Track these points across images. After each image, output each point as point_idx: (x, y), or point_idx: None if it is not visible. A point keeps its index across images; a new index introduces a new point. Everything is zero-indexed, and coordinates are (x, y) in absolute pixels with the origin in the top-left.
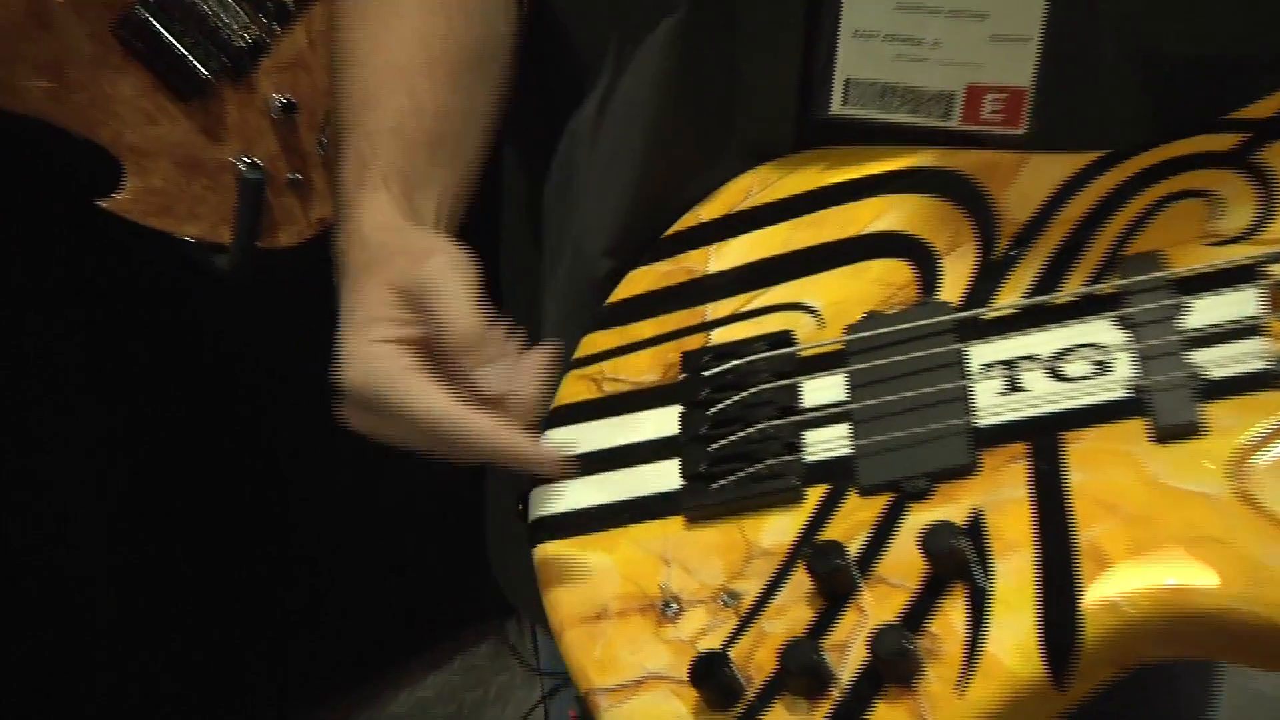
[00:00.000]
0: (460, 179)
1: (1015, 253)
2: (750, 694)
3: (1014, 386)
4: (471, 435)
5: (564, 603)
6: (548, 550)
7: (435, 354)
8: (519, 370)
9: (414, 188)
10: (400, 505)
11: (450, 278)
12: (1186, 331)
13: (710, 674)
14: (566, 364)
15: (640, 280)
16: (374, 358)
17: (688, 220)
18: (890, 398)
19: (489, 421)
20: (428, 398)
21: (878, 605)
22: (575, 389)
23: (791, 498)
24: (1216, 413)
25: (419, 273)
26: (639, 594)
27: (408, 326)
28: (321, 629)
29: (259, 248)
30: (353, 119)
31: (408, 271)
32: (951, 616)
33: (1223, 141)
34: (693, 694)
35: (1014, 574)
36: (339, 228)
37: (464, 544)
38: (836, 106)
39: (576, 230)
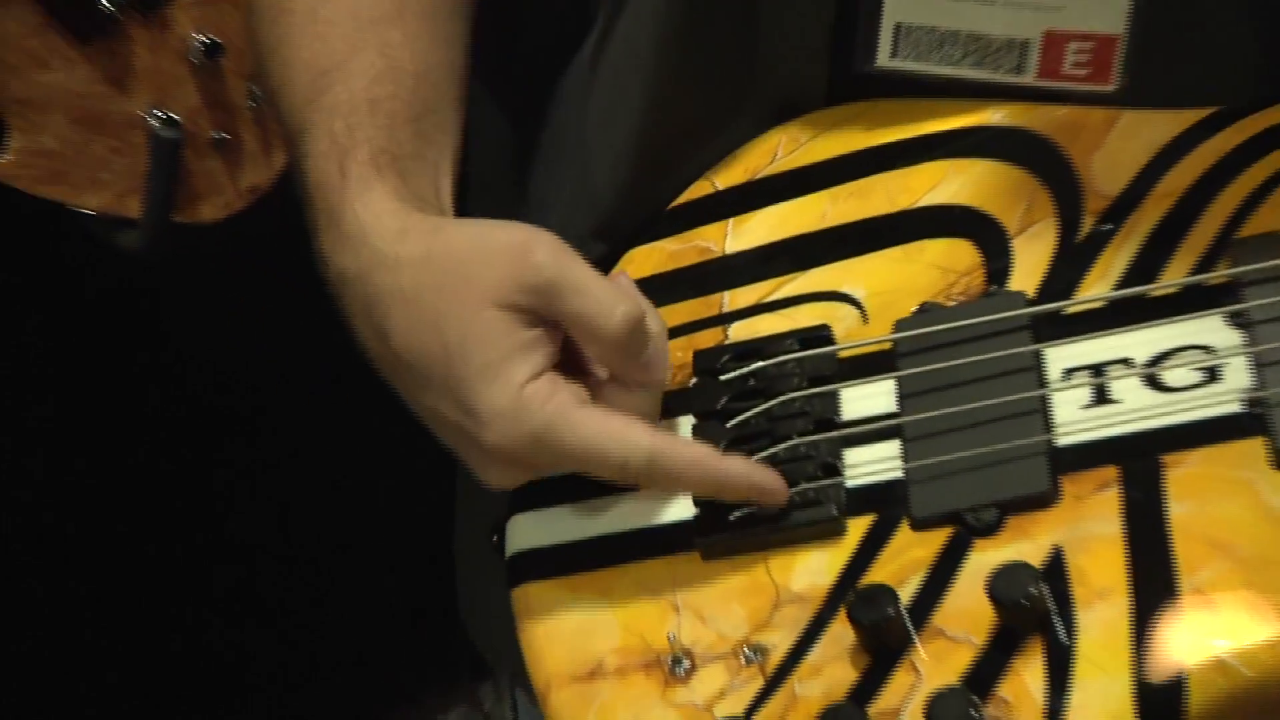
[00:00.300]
0: (452, 154)
1: (1104, 231)
2: None
3: (1102, 398)
4: (683, 471)
5: (550, 658)
6: (530, 593)
7: (567, 359)
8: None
9: (409, 174)
10: (346, 542)
11: (573, 267)
12: None
13: None
14: None
15: (642, 261)
16: (527, 406)
17: (701, 188)
18: (950, 410)
19: (699, 450)
20: (615, 436)
21: (936, 664)
22: None
23: (830, 530)
24: None
25: (535, 275)
26: (642, 647)
27: (543, 347)
28: (250, 693)
29: (176, 223)
30: (311, 90)
31: (514, 278)
32: (1026, 679)
33: None
34: None
35: (1103, 627)
36: (327, 242)
37: (426, 585)
38: (884, 59)
39: (562, 204)
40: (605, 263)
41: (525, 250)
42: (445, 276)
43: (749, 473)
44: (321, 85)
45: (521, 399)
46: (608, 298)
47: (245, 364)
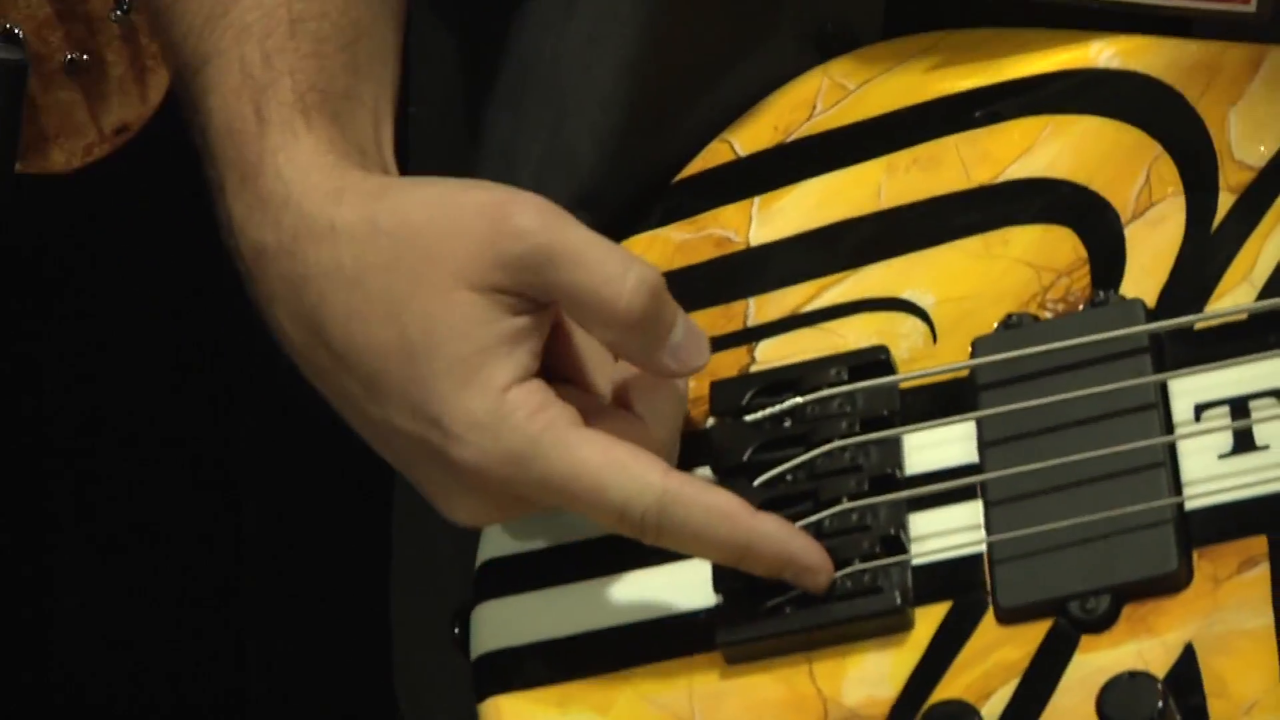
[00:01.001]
0: (392, 91)
1: (1246, 216)
2: None
3: (1247, 444)
4: (701, 524)
5: None
6: (503, 709)
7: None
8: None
9: (343, 118)
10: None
11: (565, 231)
12: None
13: None
14: None
15: (642, 255)
16: (510, 416)
17: (716, 153)
18: (1046, 463)
19: (724, 500)
20: (617, 467)
21: None
22: None
23: (892, 625)
24: None
25: (518, 244)
26: None
27: (531, 342)
28: None
29: (19, 174)
30: (213, 5)
31: (492, 251)
32: None
33: None
34: None
35: None
36: (238, 207)
37: (359, 683)
38: None
39: (532, 162)
40: None
41: (503, 213)
42: (400, 251)
43: (787, 537)
44: (222, 4)
45: (503, 407)
46: (615, 263)
47: (111, 361)
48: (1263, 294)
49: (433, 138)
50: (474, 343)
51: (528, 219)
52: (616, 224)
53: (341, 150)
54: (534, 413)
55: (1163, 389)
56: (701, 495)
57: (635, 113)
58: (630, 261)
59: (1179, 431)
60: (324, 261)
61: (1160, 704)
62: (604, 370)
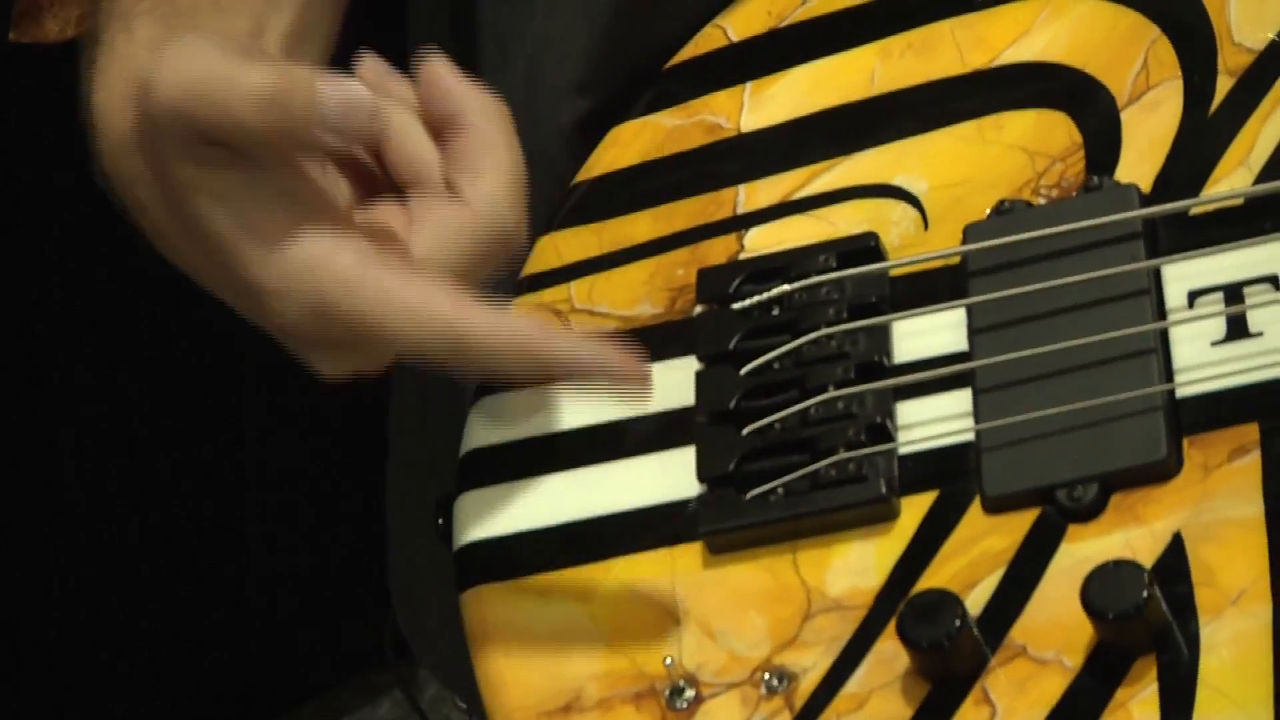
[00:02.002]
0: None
1: (1244, 100)
2: None
3: (1240, 331)
4: (501, 355)
5: (513, 686)
6: (485, 598)
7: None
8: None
9: (186, 10)
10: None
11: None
12: None
13: None
14: (514, 284)
15: (630, 141)
16: (295, 274)
17: (709, 39)
18: (1037, 350)
19: (521, 326)
20: (405, 310)
21: (1017, 694)
22: None
23: (877, 514)
24: None
25: (157, 112)
26: (633, 673)
27: (294, 186)
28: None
29: (12, 45)
30: None
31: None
32: (1134, 713)
33: None
34: None
35: (1235, 643)
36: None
37: (352, 583)
38: None
39: (528, 48)
40: (589, 128)
41: (144, 89)
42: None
43: (588, 352)
44: None
45: (287, 266)
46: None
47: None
48: (1260, 178)
49: (430, 24)
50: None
51: (163, 85)
52: (616, 109)
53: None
54: (317, 264)
55: (1155, 275)
56: (497, 325)
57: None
58: (246, 67)
59: (1171, 318)
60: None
61: (1144, 592)
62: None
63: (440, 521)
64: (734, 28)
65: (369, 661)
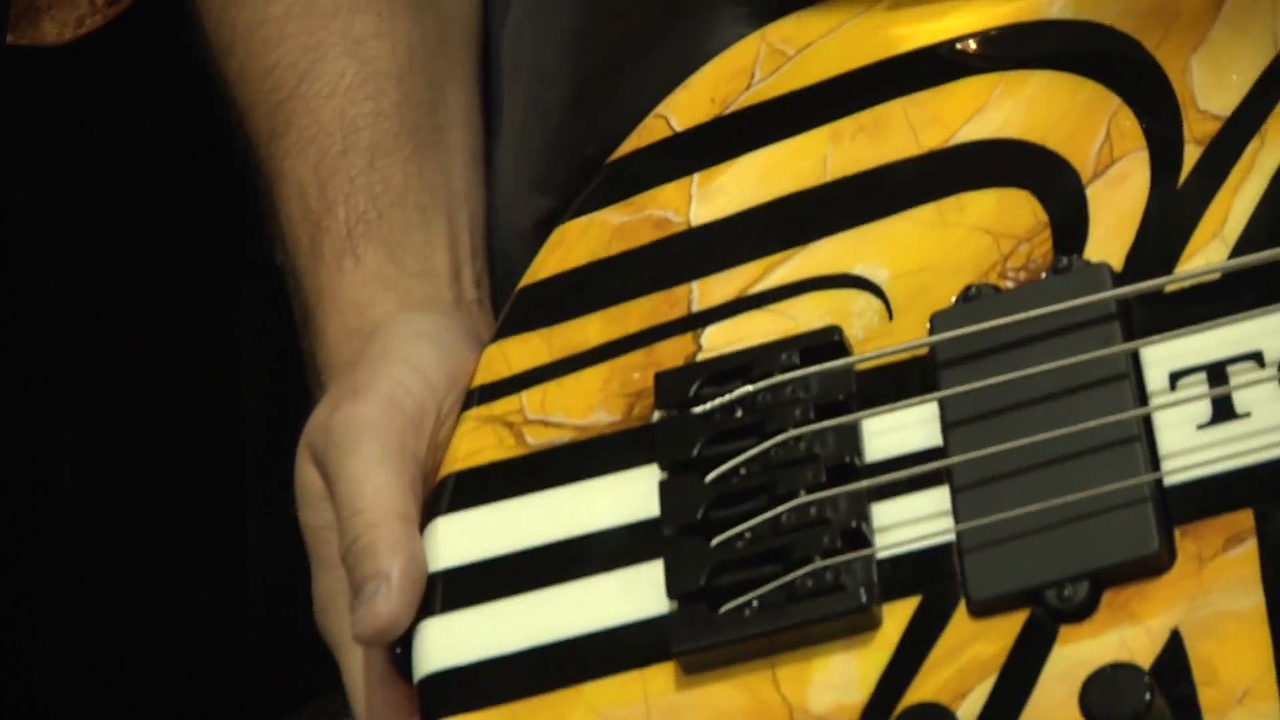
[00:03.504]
0: (464, 164)
1: (1214, 169)
2: None
3: (1226, 413)
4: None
5: None
6: None
7: None
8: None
9: (398, 231)
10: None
11: (354, 449)
12: None
13: None
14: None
15: (577, 241)
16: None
17: (651, 130)
18: (1014, 443)
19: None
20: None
21: None
22: (478, 442)
23: (858, 624)
24: None
25: (319, 435)
26: None
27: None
28: None
29: (9, 47)
30: (272, 121)
31: (312, 429)
32: None
33: None
34: None
35: None
36: (303, 319)
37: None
38: None
39: (506, 146)
40: (551, 222)
41: (349, 396)
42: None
43: None
44: (283, 116)
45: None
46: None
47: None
48: (1236, 251)
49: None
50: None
51: (346, 416)
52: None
53: (385, 282)
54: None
55: (1134, 358)
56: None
57: (579, 86)
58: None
59: (1154, 402)
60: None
61: (1147, 696)
62: None
63: (398, 651)
64: (677, 117)
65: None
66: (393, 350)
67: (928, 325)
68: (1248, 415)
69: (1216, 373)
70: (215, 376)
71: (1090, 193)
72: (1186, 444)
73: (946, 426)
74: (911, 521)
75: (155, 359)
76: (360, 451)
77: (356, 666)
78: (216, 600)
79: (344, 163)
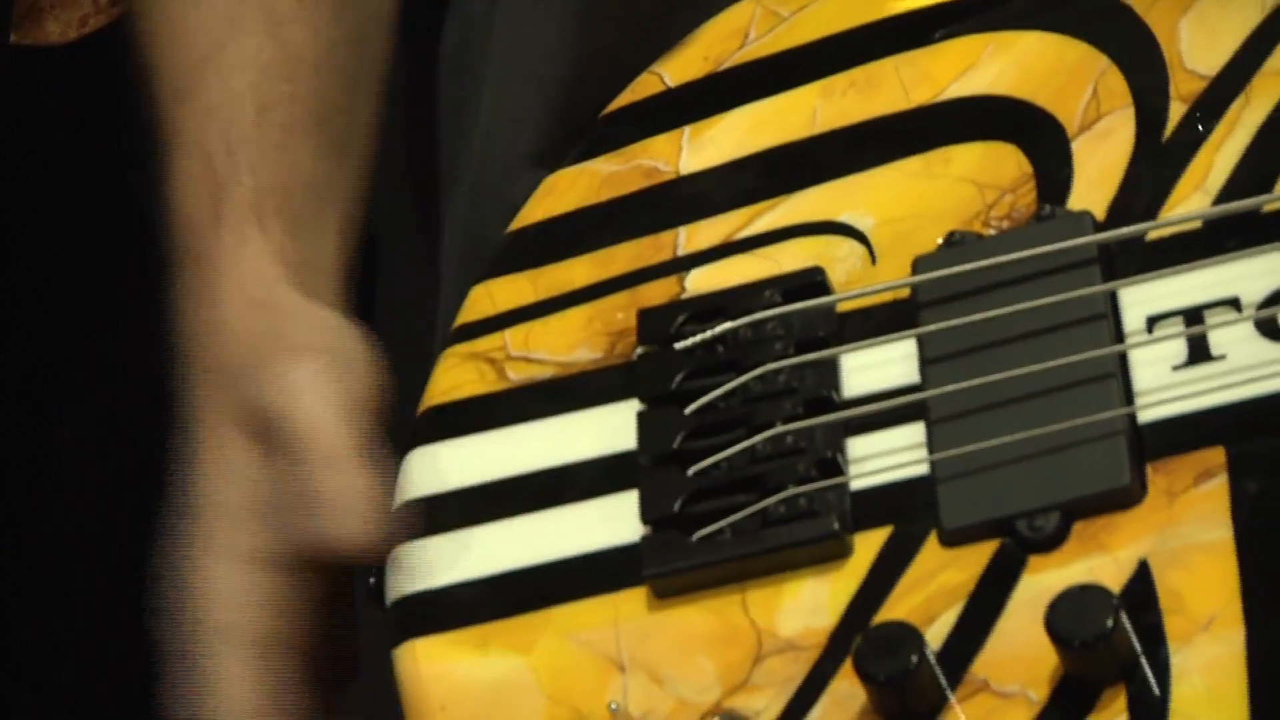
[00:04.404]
0: (360, 170)
1: (1198, 128)
2: None
3: (1201, 354)
4: None
5: None
6: (419, 652)
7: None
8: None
9: (303, 215)
10: None
11: (314, 396)
12: None
13: None
14: (448, 334)
15: (567, 189)
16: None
17: (643, 86)
18: (990, 378)
19: None
20: None
21: None
22: (459, 377)
23: (830, 551)
24: None
25: (268, 393)
26: None
27: (278, 514)
28: None
29: (12, 45)
30: (183, 80)
31: (256, 391)
32: None
33: None
34: None
35: (1207, 671)
36: (189, 288)
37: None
38: None
39: (482, 125)
40: None
41: (283, 357)
42: (235, 362)
43: None
44: (194, 79)
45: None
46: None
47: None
48: (1217, 201)
49: (390, 107)
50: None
51: (290, 377)
52: None
53: (288, 262)
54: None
55: (1113, 299)
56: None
57: (581, 64)
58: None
59: (1130, 342)
60: (212, 359)
61: (1111, 618)
62: None
63: (372, 580)
64: (670, 74)
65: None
66: (317, 326)
67: (910, 269)
68: (1223, 357)
69: (1193, 316)
70: None
71: (1075, 147)
72: (1161, 382)
73: (925, 363)
74: (887, 453)
75: (156, 358)
76: (324, 397)
77: (228, 665)
78: None
79: (257, 134)
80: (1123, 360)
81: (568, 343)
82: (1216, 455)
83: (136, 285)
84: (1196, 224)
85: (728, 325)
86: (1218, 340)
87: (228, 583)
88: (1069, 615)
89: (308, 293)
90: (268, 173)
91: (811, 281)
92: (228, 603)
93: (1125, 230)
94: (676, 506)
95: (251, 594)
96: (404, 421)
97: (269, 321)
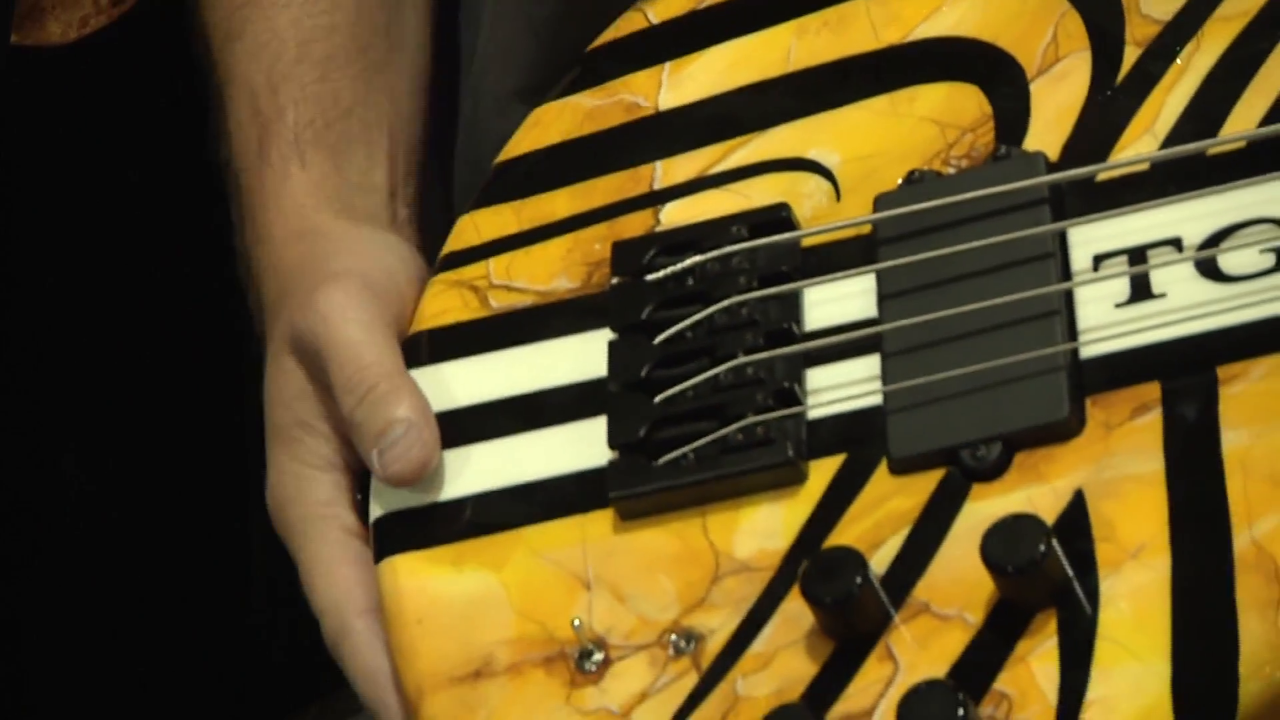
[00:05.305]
0: (408, 86)
1: (1150, 69)
2: None
3: (1143, 292)
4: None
5: (424, 652)
6: (398, 568)
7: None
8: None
9: (344, 142)
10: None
11: (344, 320)
12: None
13: None
14: (433, 263)
15: (551, 123)
16: (289, 501)
17: (629, 22)
18: (942, 313)
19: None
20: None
21: (919, 650)
22: (444, 304)
23: (785, 477)
24: None
25: (304, 320)
26: (543, 637)
27: (328, 423)
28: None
29: (14, 46)
30: (229, 23)
31: (295, 318)
32: (1034, 667)
33: None
34: None
35: (1134, 597)
36: (243, 232)
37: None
38: None
39: (477, 59)
40: None
41: (321, 283)
42: (287, 287)
43: None
44: (239, 20)
45: (290, 484)
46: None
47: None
48: (1165, 145)
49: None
50: (285, 399)
51: (326, 302)
52: None
53: (329, 191)
54: (304, 508)
55: (1061, 239)
56: (361, 654)
57: (570, 1)
58: (369, 369)
59: (1076, 280)
60: (271, 291)
61: (1043, 545)
62: None
63: (360, 497)
64: (654, 11)
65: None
66: (356, 249)
67: (872, 205)
68: (1163, 295)
69: (1137, 255)
70: (218, 374)
71: (1034, 89)
72: (1104, 319)
73: (882, 299)
74: (842, 385)
75: (157, 358)
76: (355, 319)
77: (317, 549)
78: (220, 600)
79: (297, 71)
80: (1069, 297)
81: (548, 272)
82: (1152, 390)
83: (133, 288)
84: (1144, 167)
85: (696, 259)
86: (1159, 279)
87: (304, 485)
88: (1003, 544)
89: (354, 217)
90: (308, 106)
91: (777, 218)
92: (308, 499)
93: (1075, 172)
94: (642, 432)
95: (323, 492)
96: None
97: (309, 250)
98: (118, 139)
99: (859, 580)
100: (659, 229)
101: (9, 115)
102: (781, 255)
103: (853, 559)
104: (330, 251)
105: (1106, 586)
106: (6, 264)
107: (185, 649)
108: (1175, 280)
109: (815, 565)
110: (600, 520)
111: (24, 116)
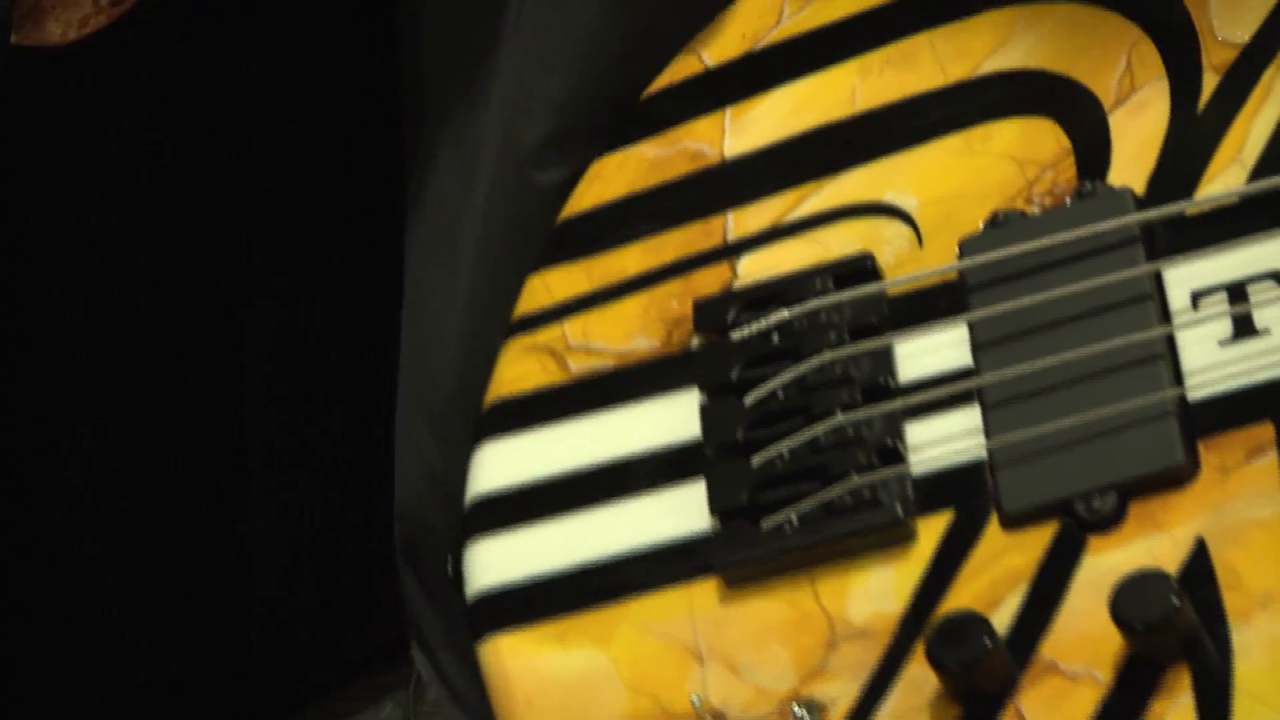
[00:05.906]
0: None
1: (1232, 95)
2: None
3: (1247, 329)
4: None
5: None
6: (502, 648)
7: None
8: None
9: None
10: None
11: None
12: None
13: None
14: (506, 326)
15: (614, 175)
16: None
17: (685, 66)
18: (1042, 361)
19: None
20: None
21: (1050, 711)
22: (523, 369)
23: (894, 537)
24: None
25: None
26: (657, 713)
27: None
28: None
29: (13, 46)
30: None
31: None
32: None
33: None
34: None
35: (1267, 647)
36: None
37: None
38: None
39: (504, 110)
40: (566, 188)
41: None
42: None
43: None
44: None
45: None
46: None
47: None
48: (1254, 174)
49: (419, 89)
50: None
51: None
52: (586, 157)
53: None
54: None
55: (1157, 278)
56: None
57: (600, 45)
58: None
59: (1177, 321)
60: None
61: (1174, 601)
62: None
63: (450, 565)
64: (709, 53)
65: (371, 664)
66: None
67: (956, 250)
68: (1268, 332)
69: (1237, 291)
70: (219, 375)
71: (1113, 120)
72: (1209, 360)
73: (977, 348)
74: (944, 439)
75: (157, 358)
76: None
77: None
78: (219, 600)
79: None
80: (1170, 340)
81: (625, 332)
82: (1266, 431)
83: (133, 288)
84: (1236, 199)
85: (783, 315)
86: (1262, 316)
87: None
88: (1132, 601)
89: None
90: None
91: (862, 267)
92: None
93: (1166, 209)
94: (744, 497)
95: None
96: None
97: None
98: (118, 139)
99: (988, 643)
100: (737, 283)
101: (9, 115)
102: (869, 307)
103: (977, 623)
104: None
105: (1238, 638)
106: (6, 264)
107: (185, 649)
108: (1278, 317)
109: (939, 631)
110: (705, 589)
111: (24, 116)
